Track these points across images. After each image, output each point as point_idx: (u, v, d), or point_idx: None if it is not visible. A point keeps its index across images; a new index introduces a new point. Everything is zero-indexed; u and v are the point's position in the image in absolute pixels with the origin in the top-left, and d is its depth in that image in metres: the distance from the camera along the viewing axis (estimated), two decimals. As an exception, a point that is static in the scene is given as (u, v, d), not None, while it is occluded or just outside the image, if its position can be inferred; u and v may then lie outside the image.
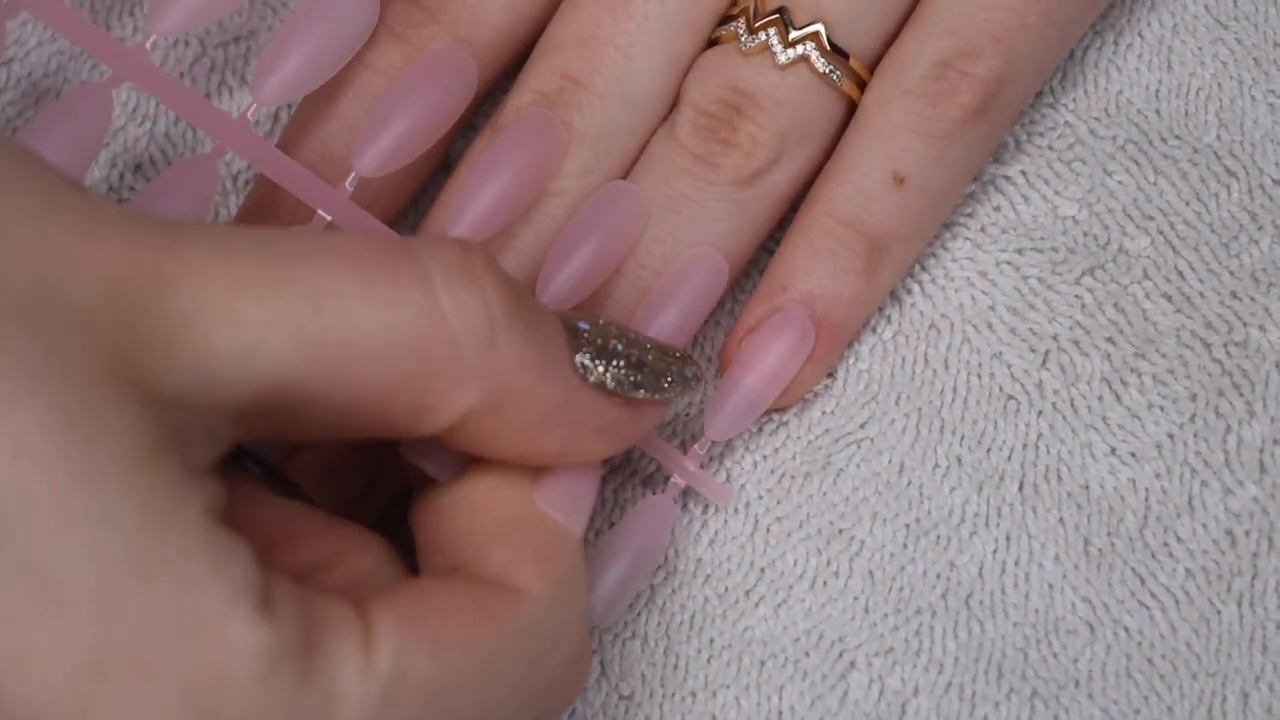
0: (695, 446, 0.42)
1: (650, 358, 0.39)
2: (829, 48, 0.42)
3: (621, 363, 0.38)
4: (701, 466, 0.42)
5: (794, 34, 0.42)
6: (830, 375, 0.44)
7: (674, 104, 0.43)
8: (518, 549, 0.37)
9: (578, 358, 0.37)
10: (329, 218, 0.41)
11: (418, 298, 0.34)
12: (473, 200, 0.40)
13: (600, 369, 0.37)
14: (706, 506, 0.43)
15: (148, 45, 0.41)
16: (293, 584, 0.33)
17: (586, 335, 0.37)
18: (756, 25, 0.43)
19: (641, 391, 0.38)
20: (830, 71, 0.43)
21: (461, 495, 0.38)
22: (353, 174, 0.41)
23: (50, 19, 0.41)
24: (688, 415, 0.44)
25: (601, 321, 0.38)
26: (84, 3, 0.45)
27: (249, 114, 0.41)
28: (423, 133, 0.41)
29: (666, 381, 0.39)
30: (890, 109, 0.42)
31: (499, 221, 0.41)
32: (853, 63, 0.43)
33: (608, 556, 0.41)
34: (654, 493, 0.43)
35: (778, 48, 0.42)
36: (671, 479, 0.42)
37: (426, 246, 0.35)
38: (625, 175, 0.43)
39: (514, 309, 0.35)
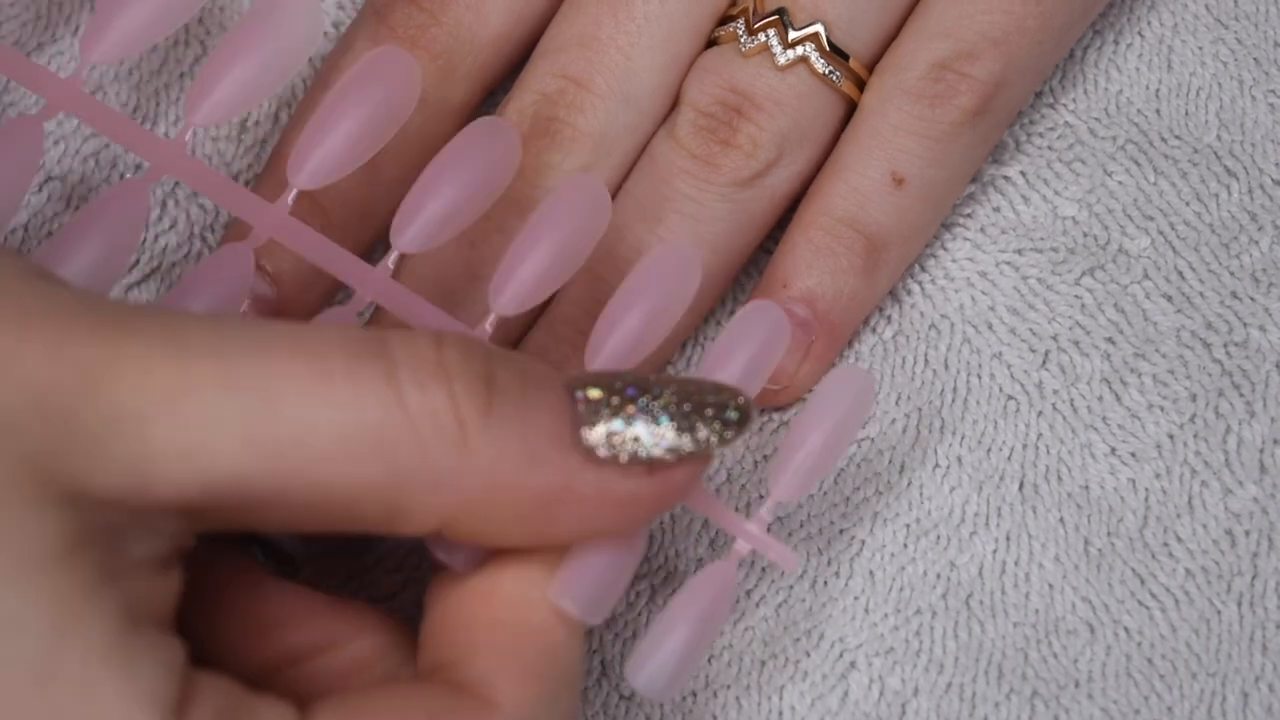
0: (761, 511, 0.39)
1: (675, 406, 0.35)
2: (828, 49, 0.43)
3: (638, 430, 0.35)
4: (769, 529, 0.40)
5: (793, 35, 0.42)
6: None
7: (674, 105, 0.43)
8: (502, 657, 0.35)
9: (588, 433, 0.35)
10: (368, 298, 0.39)
11: (381, 398, 0.33)
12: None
13: (609, 440, 0.35)
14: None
15: (187, 138, 0.39)
16: (229, 688, 0.32)
17: (600, 400, 0.35)
18: (756, 26, 0.43)
19: (669, 455, 0.35)
20: (830, 72, 0.43)
21: (466, 586, 0.36)
22: (394, 252, 0.39)
23: (90, 118, 0.39)
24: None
25: (621, 376, 0.36)
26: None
27: (288, 199, 0.39)
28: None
29: (695, 436, 0.35)
30: (889, 110, 0.43)
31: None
32: (852, 63, 0.43)
33: (667, 626, 0.37)
34: (712, 556, 0.42)
35: (777, 49, 0.43)
36: (735, 544, 0.39)
37: (398, 341, 0.34)
38: (625, 176, 0.43)
39: (486, 404, 0.34)
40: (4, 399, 0.31)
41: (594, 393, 0.35)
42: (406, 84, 0.39)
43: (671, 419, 0.35)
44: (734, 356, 0.39)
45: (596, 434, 0.35)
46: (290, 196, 0.39)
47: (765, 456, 0.43)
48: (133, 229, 0.39)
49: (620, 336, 0.38)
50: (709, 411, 0.36)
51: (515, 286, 0.38)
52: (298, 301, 0.42)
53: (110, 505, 0.32)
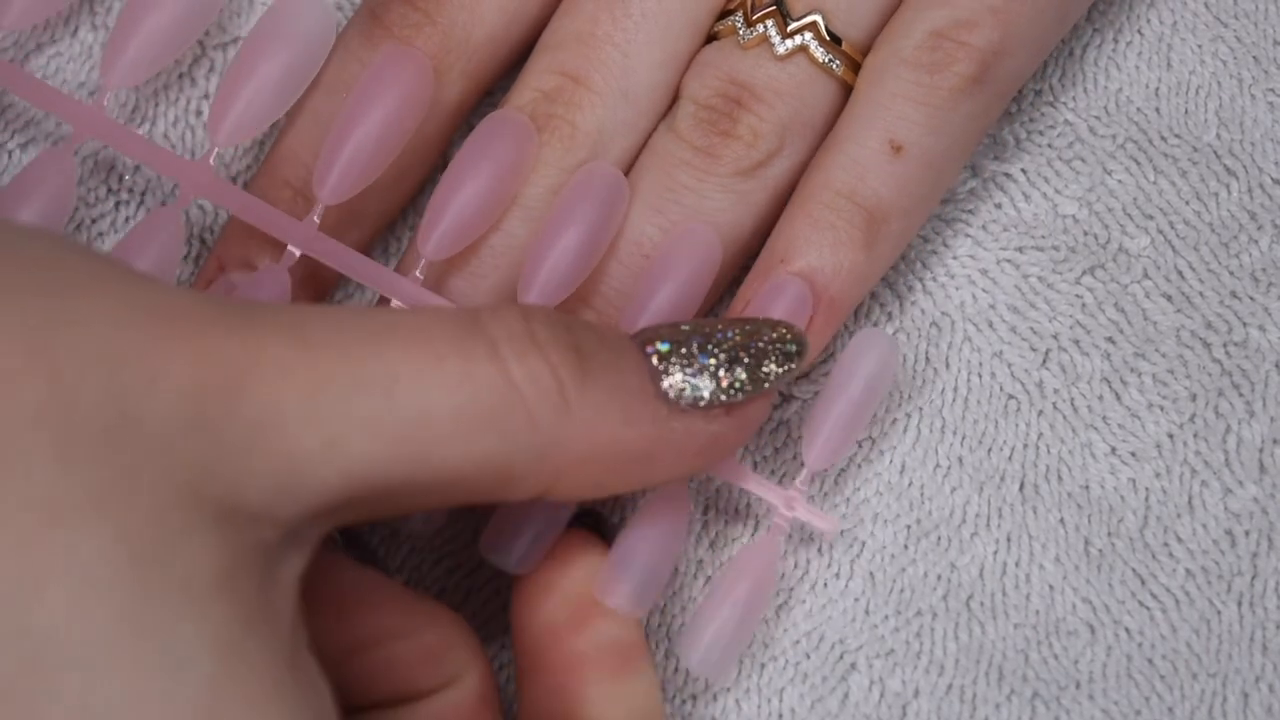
0: (798, 481, 0.41)
1: (743, 351, 0.38)
2: (827, 37, 0.42)
3: (715, 373, 0.37)
4: (810, 499, 0.42)
5: (791, 25, 0.42)
6: (831, 373, 0.44)
7: (673, 101, 0.43)
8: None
9: (666, 383, 0.37)
10: (396, 302, 0.41)
11: (488, 374, 0.34)
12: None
13: (692, 390, 0.37)
14: (706, 507, 0.43)
15: (211, 160, 0.40)
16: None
17: (670, 356, 0.37)
18: (754, 18, 0.43)
19: (742, 395, 0.38)
20: (829, 61, 0.42)
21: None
22: (423, 260, 0.41)
23: (118, 145, 0.41)
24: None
25: (685, 328, 0.38)
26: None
27: (315, 216, 0.40)
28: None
29: (766, 372, 0.38)
30: (886, 78, 0.42)
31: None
32: (851, 51, 0.43)
33: (716, 605, 0.40)
34: (755, 530, 0.43)
35: (775, 39, 0.42)
36: (775, 517, 0.41)
37: (490, 317, 0.35)
38: (626, 172, 0.43)
39: (581, 368, 0.35)
40: (157, 410, 0.31)
41: (664, 346, 0.37)
42: (421, 85, 0.41)
43: (738, 361, 0.38)
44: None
45: (674, 385, 0.37)
46: (318, 214, 0.40)
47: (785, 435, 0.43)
48: (173, 254, 0.40)
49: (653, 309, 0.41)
50: (770, 349, 0.38)
51: (544, 279, 0.40)
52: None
53: (262, 520, 0.31)
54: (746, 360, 0.38)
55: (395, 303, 0.40)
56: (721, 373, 0.37)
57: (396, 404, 0.33)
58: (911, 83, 0.42)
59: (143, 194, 0.44)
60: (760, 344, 0.38)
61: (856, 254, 0.42)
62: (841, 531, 0.43)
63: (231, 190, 0.41)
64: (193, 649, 0.29)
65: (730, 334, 0.38)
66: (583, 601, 0.39)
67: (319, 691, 0.32)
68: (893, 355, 0.41)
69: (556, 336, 0.35)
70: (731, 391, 0.37)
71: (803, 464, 0.41)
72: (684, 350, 0.37)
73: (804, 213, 0.42)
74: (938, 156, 0.42)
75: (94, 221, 0.44)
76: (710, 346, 0.38)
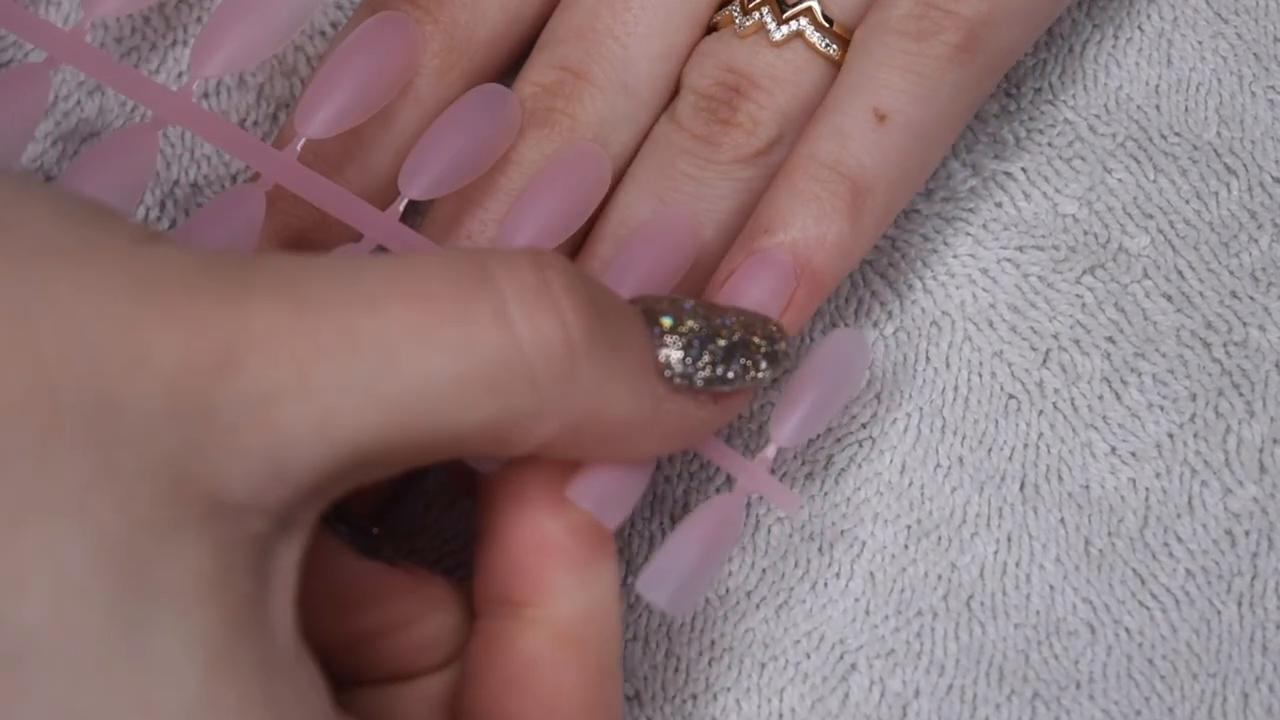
0: (765, 452, 0.40)
1: (739, 338, 0.38)
2: (823, 22, 0.42)
3: (709, 359, 0.37)
4: (772, 472, 0.42)
5: (787, 11, 0.42)
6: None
7: (674, 93, 0.43)
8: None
9: (663, 354, 0.36)
10: (376, 241, 0.40)
11: (493, 338, 0.33)
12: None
13: (688, 370, 0.37)
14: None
15: (194, 87, 0.40)
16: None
17: (673, 333, 0.37)
18: (750, 6, 0.43)
19: (730, 386, 0.37)
20: (826, 45, 0.42)
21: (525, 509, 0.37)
22: (403, 199, 0.40)
23: (91, 70, 0.40)
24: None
25: (688, 306, 0.37)
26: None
27: (297, 146, 0.40)
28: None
29: (756, 368, 0.38)
30: (872, 47, 0.42)
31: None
32: (846, 34, 0.42)
33: (677, 542, 0.38)
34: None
35: (771, 25, 0.42)
36: (739, 483, 0.40)
37: (501, 267, 0.33)
38: (626, 165, 0.43)
39: (595, 329, 0.34)
40: (140, 396, 0.29)
41: (666, 321, 0.37)
42: (409, 48, 0.41)
43: (733, 356, 0.37)
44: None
45: (674, 365, 0.37)
46: (299, 144, 0.40)
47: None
48: (142, 173, 0.39)
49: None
50: (761, 345, 0.38)
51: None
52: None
53: (250, 511, 0.30)
54: (743, 359, 0.38)
55: (368, 238, 0.40)
56: (718, 365, 0.37)
57: (396, 372, 0.32)
58: (898, 50, 0.41)
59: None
60: (754, 339, 0.38)
61: (841, 225, 0.41)
62: (842, 531, 0.43)
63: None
64: (178, 656, 0.29)
65: (728, 320, 0.38)
66: (560, 481, 0.37)
67: (311, 693, 0.31)
68: (863, 349, 0.41)
69: (573, 287, 0.34)
70: (720, 381, 0.37)
71: (769, 440, 0.40)
72: (685, 329, 0.37)
73: (788, 183, 0.41)
74: (924, 127, 0.42)
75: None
76: (709, 332, 0.37)
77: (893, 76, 0.41)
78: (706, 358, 0.37)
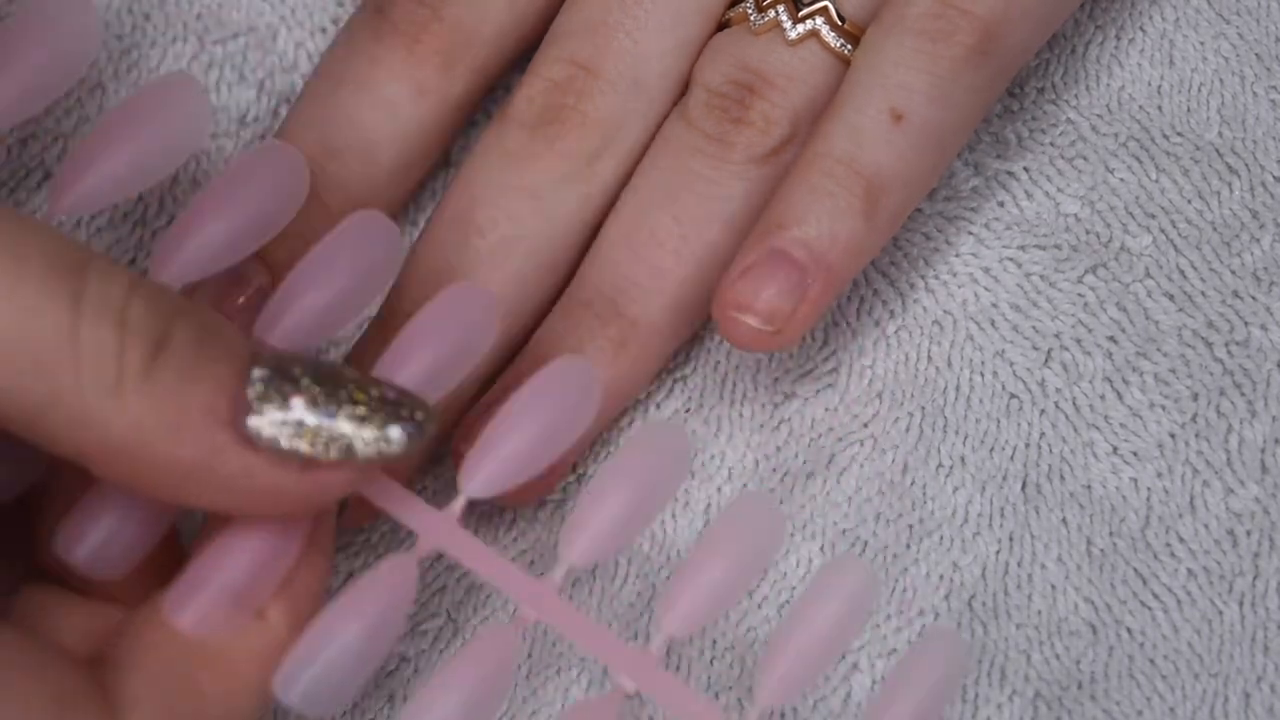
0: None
1: (356, 409, 0.35)
2: (839, 21, 0.42)
3: (297, 421, 0.34)
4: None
5: (803, 10, 0.42)
6: (834, 370, 0.44)
7: (685, 89, 0.43)
8: (151, 688, 0.35)
9: (250, 415, 0.34)
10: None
11: (58, 319, 0.33)
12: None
13: (271, 424, 0.34)
14: (708, 505, 0.43)
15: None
16: None
17: (267, 384, 0.34)
18: (765, 3, 0.43)
19: (324, 456, 0.34)
20: (841, 45, 0.42)
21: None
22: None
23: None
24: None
25: (300, 363, 0.35)
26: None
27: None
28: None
29: (363, 442, 0.35)
30: (888, 46, 0.41)
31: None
32: (858, 32, 0.42)
33: (322, 630, 0.35)
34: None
35: (787, 24, 0.42)
36: (418, 540, 0.37)
37: (98, 273, 0.34)
38: (636, 162, 0.43)
39: (148, 361, 0.34)
40: None
41: (266, 372, 0.34)
42: (295, 177, 0.39)
43: (346, 415, 0.35)
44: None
45: (258, 418, 0.34)
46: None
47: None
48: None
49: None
50: (384, 412, 0.35)
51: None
52: None
53: None
54: (343, 421, 0.35)
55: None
56: (306, 419, 0.34)
57: None
58: (914, 50, 0.41)
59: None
60: (376, 406, 0.35)
61: (856, 223, 0.41)
62: (844, 530, 0.43)
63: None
64: None
65: (346, 386, 0.35)
66: None
67: None
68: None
69: (146, 322, 0.34)
70: (307, 446, 0.34)
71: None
72: (286, 387, 0.34)
73: (802, 180, 0.41)
74: (939, 128, 0.42)
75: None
76: (318, 390, 0.35)
77: (909, 77, 0.41)
78: (297, 417, 0.34)
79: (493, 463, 0.37)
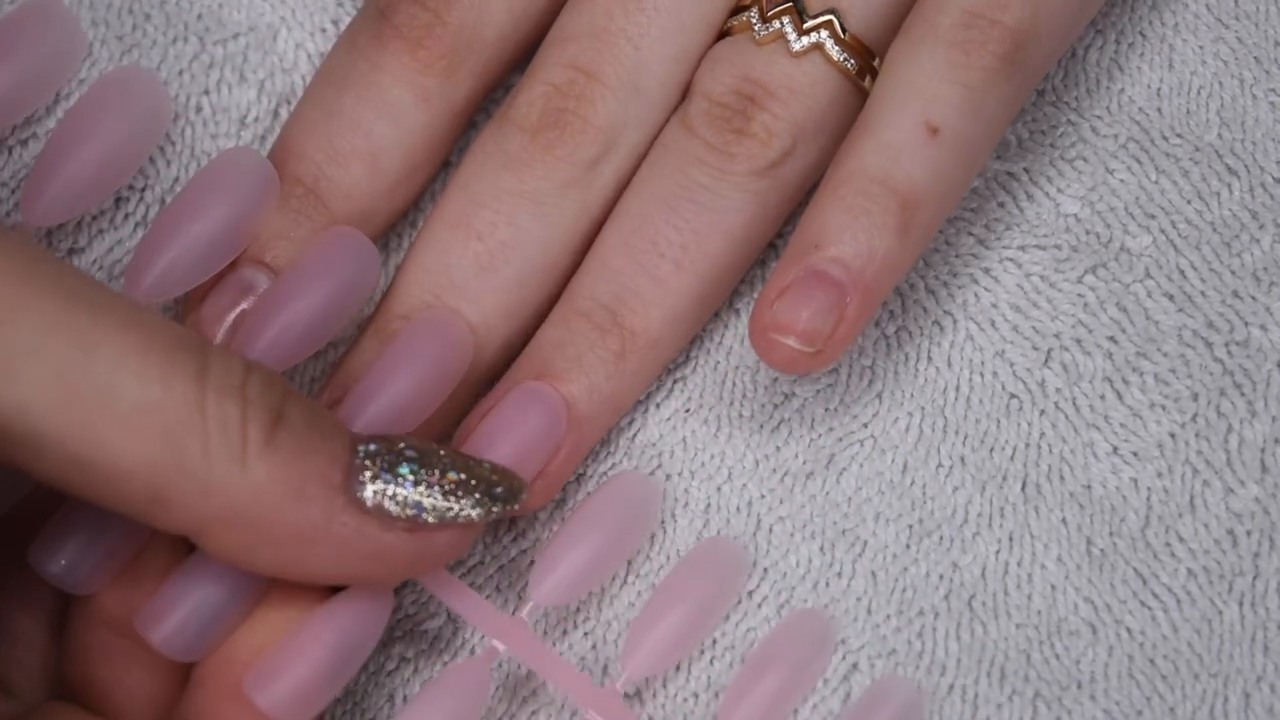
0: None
1: (451, 477, 0.37)
2: (843, 35, 0.42)
3: (406, 486, 0.37)
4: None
5: (808, 22, 0.42)
6: (834, 370, 0.44)
7: (685, 96, 0.43)
8: None
9: (360, 484, 0.36)
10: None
11: (185, 391, 0.35)
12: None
13: (378, 492, 0.36)
14: (708, 505, 0.43)
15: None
16: None
17: (375, 456, 0.37)
18: (770, 14, 0.42)
19: (428, 517, 0.37)
20: (844, 59, 0.42)
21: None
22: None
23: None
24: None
25: (401, 445, 0.37)
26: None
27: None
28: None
29: (462, 507, 0.37)
30: (921, 57, 0.41)
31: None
32: (866, 49, 0.42)
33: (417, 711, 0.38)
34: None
35: (791, 35, 0.42)
36: (491, 643, 0.40)
37: (217, 354, 0.36)
38: (635, 167, 0.43)
39: (271, 431, 0.35)
40: None
41: (373, 447, 0.37)
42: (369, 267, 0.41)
43: (441, 485, 0.37)
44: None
45: (369, 488, 0.36)
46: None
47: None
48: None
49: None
50: (478, 484, 0.37)
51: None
52: None
53: None
54: (451, 487, 0.37)
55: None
56: (410, 487, 0.37)
57: (86, 365, 0.34)
58: (948, 62, 0.41)
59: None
60: (472, 476, 0.38)
61: (891, 240, 0.40)
62: (844, 530, 0.43)
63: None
64: None
65: (448, 458, 0.37)
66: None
67: None
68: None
69: (264, 398, 0.36)
70: (413, 508, 0.37)
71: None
72: (391, 458, 0.37)
73: (837, 198, 0.40)
74: (971, 140, 0.41)
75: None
76: (421, 462, 0.37)
77: (944, 89, 0.41)
78: (404, 488, 0.37)
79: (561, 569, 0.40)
